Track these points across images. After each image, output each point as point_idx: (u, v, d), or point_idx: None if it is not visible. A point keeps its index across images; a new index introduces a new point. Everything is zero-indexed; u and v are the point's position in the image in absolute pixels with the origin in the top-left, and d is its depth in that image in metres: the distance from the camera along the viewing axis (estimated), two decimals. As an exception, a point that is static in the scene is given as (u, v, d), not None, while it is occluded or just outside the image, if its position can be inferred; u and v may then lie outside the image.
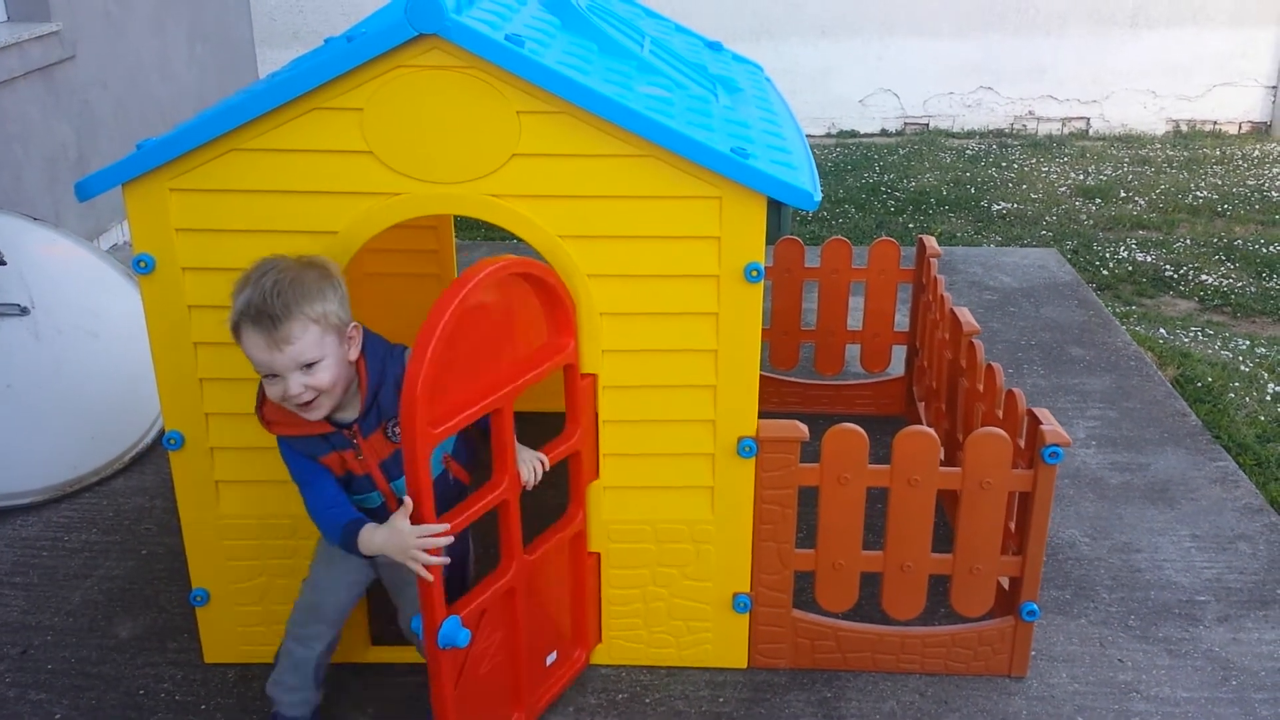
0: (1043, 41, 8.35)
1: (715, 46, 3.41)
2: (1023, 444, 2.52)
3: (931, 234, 6.02)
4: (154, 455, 3.57)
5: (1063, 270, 5.25)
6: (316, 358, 2.06)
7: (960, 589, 2.57)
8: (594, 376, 2.39)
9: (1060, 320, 4.64)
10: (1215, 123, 8.53)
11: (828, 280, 3.72)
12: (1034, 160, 7.73)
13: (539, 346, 2.30)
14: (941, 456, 2.47)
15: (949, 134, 8.50)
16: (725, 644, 2.64)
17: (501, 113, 2.18)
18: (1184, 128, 8.53)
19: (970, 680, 2.63)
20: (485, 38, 2.09)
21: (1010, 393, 2.62)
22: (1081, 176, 7.34)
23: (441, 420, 2.02)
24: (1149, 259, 5.85)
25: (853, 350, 4.00)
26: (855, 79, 8.49)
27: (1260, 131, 8.48)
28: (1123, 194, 6.96)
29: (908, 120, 8.61)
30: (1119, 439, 3.70)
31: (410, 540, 2.03)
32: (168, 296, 2.32)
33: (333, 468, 2.22)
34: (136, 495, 3.41)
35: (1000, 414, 2.67)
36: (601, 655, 2.66)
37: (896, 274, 3.67)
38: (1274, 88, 8.41)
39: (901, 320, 4.14)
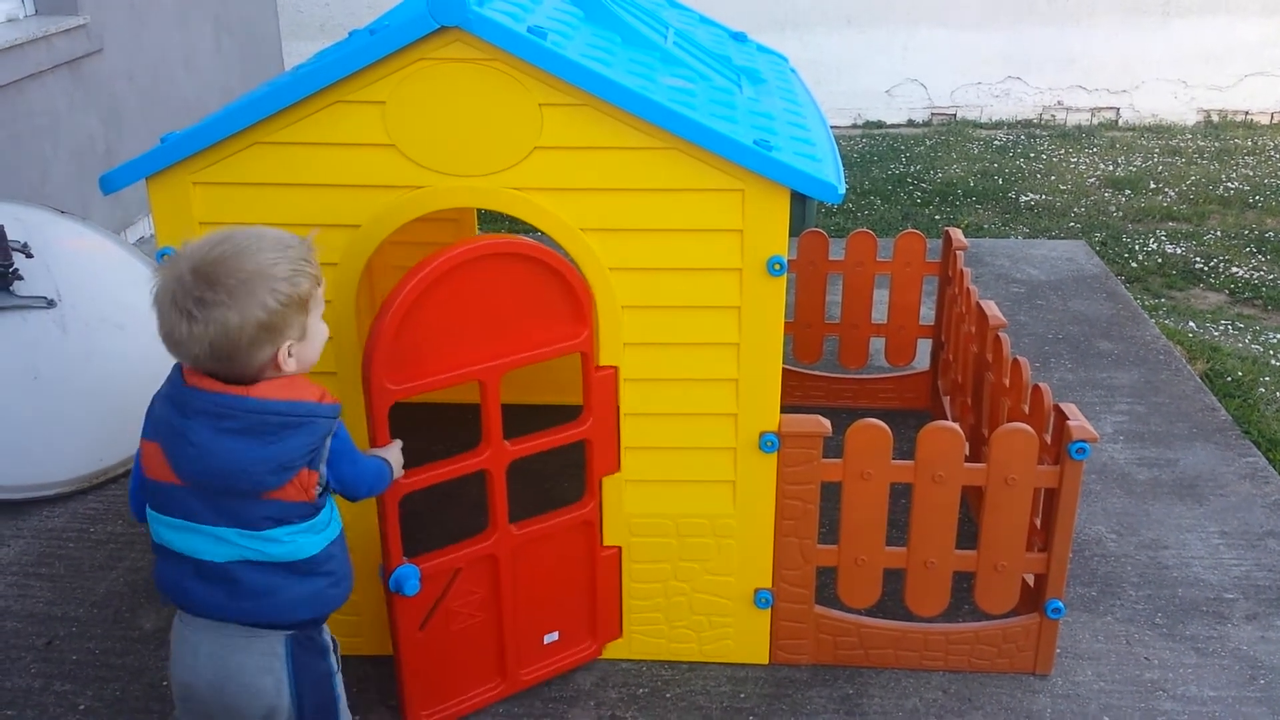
0: (1072, 30, 8.26)
1: (740, 37, 3.39)
2: (1049, 439, 2.49)
3: (958, 226, 5.97)
4: (179, 447, 3.59)
5: (1091, 262, 5.20)
6: (292, 337, 1.97)
7: (984, 586, 2.55)
8: (613, 369, 2.38)
9: (1088, 313, 4.60)
10: (1247, 113, 8.42)
11: (852, 273, 3.69)
12: (1063, 151, 7.66)
13: (549, 331, 2.31)
14: (966, 452, 2.45)
15: (976, 124, 8.43)
16: (747, 639, 2.63)
17: (524, 105, 2.17)
18: (1215, 118, 8.42)
19: (994, 678, 2.61)
20: (507, 30, 2.08)
21: (1037, 387, 2.59)
22: (1111, 167, 7.27)
23: (405, 380, 2.12)
24: (1179, 251, 5.79)
25: (877, 344, 3.98)
26: (882, 69, 8.42)
27: (1293, 122, 8.38)
28: (1152, 185, 6.89)
29: (935, 111, 8.54)
30: (1147, 434, 3.66)
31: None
32: (191, 290, 2.33)
33: None
34: (162, 486, 3.43)
35: (1026, 409, 2.65)
36: (622, 650, 2.66)
37: (922, 267, 3.64)
38: (1307, 77, 8.31)
39: (927, 313, 4.11)
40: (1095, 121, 8.46)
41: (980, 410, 3.09)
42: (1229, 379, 4.15)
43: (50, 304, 3.54)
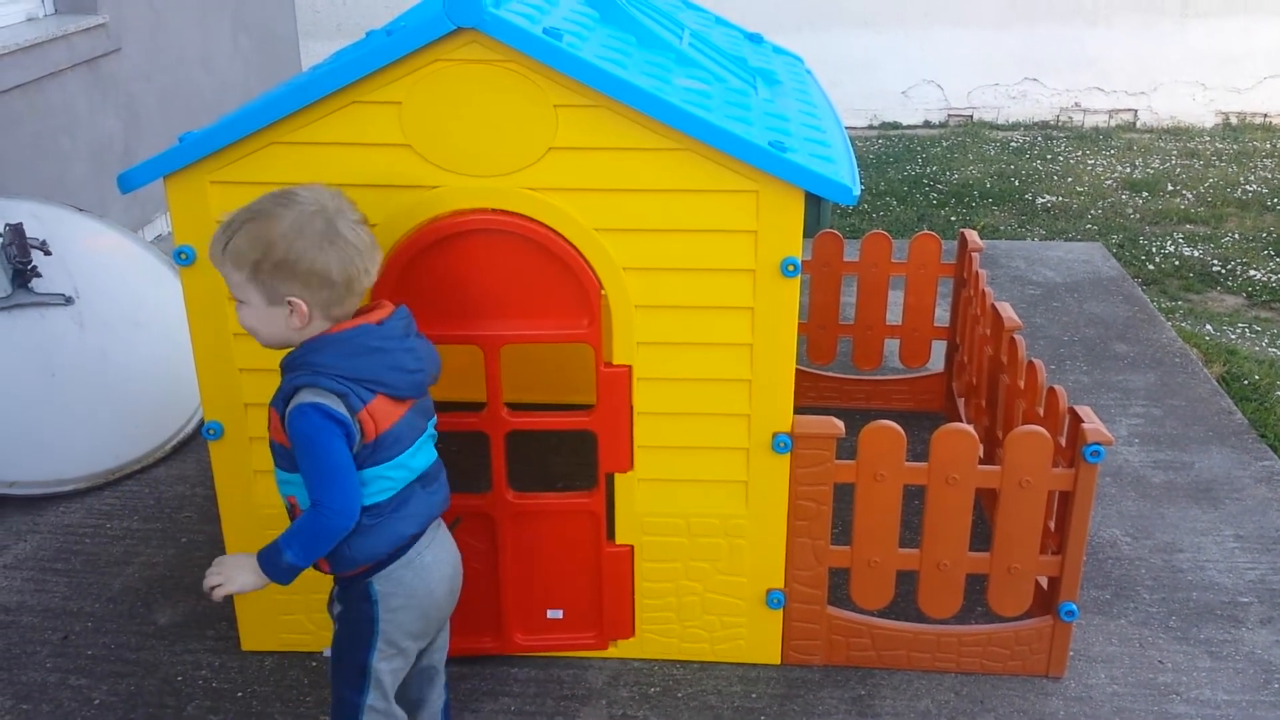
0: (1089, 32, 8.23)
1: (755, 39, 3.39)
2: (1064, 442, 2.49)
3: (974, 227, 5.96)
4: (195, 444, 3.61)
5: (1108, 265, 5.18)
6: (237, 296, 1.97)
7: (998, 588, 2.55)
8: (626, 367, 2.39)
9: (1104, 316, 4.58)
10: (1266, 115, 8.37)
11: (867, 274, 3.69)
12: (1080, 153, 7.63)
13: (553, 316, 2.34)
14: (980, 454, 2.45)
15: (993, 126, 8.41)
16: (758, 640, 2.63)
17: (539, 106, 2.18)
18: (1234, 120, 8.38)
19: (1006, 680, 2.61)
20: (523, 31, 2.09)
21: (1051, 390, 2.58)
22: (1128, 169, 7.24)
23: None
24: (1196, 254, 5.76)
25: (891, 345, 3.97)
26: (898, 70, 8.41)
27: (1312, 124, 8.33)
28: (1170, 187, 6.86)
29: (951, 112, 8.52)
30: (1162, 437, 3.65)
31: None
32: (208, 288, 2.34)
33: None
34: (178, 483, 3.45)
35: (1041, 411, 2.64)
36: (634, 649, 2.66)
37: (937, 268, 3.64)
38: (1327, 80, 8.26)
39: (942, 315, 4.10)
40: (1113, 123, 8.42)
41: (995, 412, 3.09)
42: (1245, 382, 4.14)
43: (68, 301, 3.57)
